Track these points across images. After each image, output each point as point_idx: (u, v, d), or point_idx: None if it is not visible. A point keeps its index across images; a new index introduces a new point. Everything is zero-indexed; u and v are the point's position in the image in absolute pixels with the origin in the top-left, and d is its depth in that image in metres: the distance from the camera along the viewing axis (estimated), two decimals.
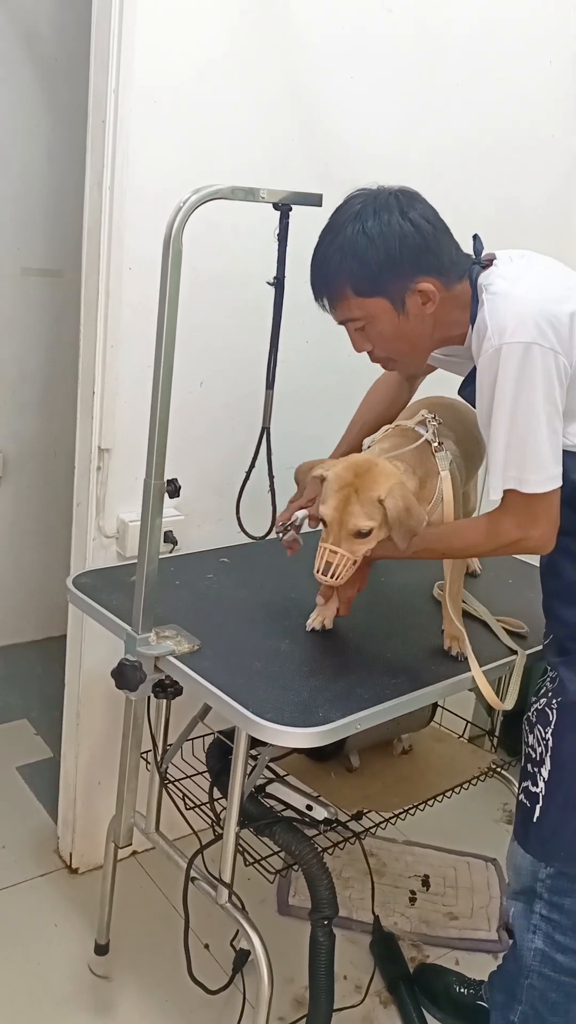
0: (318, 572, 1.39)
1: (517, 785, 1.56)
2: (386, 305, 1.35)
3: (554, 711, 1.46)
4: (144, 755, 1.66)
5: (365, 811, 1.70)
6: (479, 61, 2.12)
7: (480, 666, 1.50)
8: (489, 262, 1.39)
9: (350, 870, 2.14)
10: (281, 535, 1.63)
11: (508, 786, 1.99)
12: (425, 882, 2.15)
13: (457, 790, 1.82)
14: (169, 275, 1.24)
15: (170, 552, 1.89)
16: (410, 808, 1.73)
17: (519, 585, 1.84)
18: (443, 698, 1.64)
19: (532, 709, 1.53)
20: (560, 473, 1.33)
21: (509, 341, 1.27)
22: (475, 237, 1.41)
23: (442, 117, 2.10)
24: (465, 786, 1.84)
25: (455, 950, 1.98)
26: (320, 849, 1.54)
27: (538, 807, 1.48)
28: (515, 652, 1.57)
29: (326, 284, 1.37)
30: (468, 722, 2.09)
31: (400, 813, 1.71)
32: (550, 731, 1.46)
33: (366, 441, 1.60)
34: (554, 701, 1.46)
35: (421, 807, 1.75)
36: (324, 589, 1.54)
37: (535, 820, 1.49)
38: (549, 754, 1.46)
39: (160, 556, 1.82)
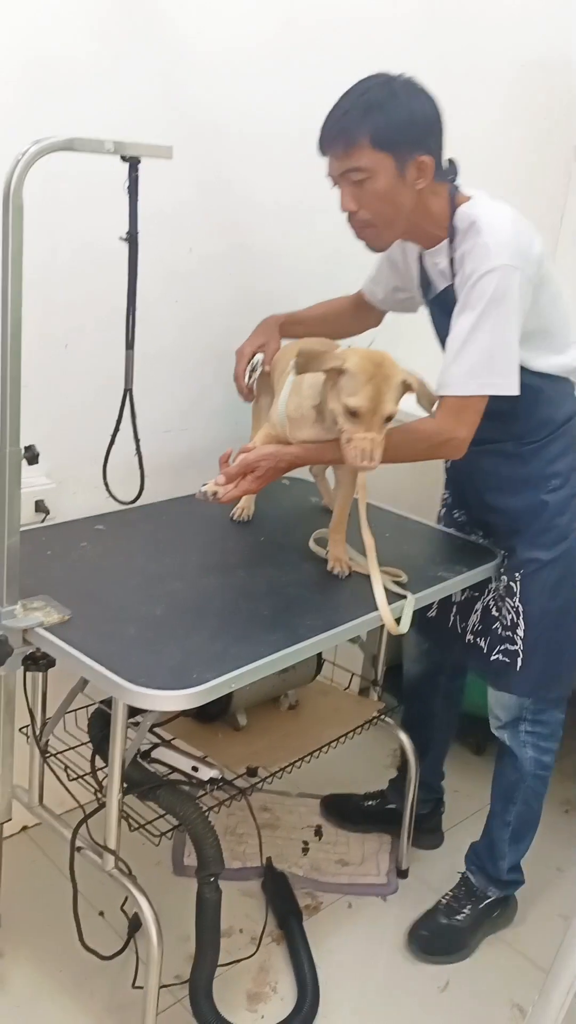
0: (357, 461, 1.48)
1: (487, 653, 1.86)
2: (390, 164, 1.51)
3: (517, 583, 1.77)
4: (23, 729, 1.63)
5: (253, 767, 1.72)
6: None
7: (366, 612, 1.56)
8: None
9: (244, 825, 2.16)
10: (249, 378, 1.84)
11: (395, 732, 2.04)
12: (318, 832, 2.20)
13: (343, 740, 1.86)
14: (11, 232, 1.19)
15: (42, 522, 1.84)
16: (296, 761, 1.76)
17: (396, 539, 1.87)
18: (321, 651, 1.67)
19: (490, 596, 1.85)
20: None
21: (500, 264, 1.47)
22: (450, 160, 1.60)
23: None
24: (351, 735, 1.88)
25: (346, 895, 2.04)
26: (207, 808, 1.55)
27: (519, 660, 1.79)
28: (404, 596, 1.62)
29: (344, 132, 1.50)
30: (353, 674, 2.13)
31: (286, 767, 1.74)
32: (517, 599, 1.77)
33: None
34: (516, 574, 1.77)
35: (307, 759, 1.78)
36: (229, 472, 1.59)
37: (518, 670, 1.80)
38: (522, 618, 1.77)
39: (32, 526, 1.78)
